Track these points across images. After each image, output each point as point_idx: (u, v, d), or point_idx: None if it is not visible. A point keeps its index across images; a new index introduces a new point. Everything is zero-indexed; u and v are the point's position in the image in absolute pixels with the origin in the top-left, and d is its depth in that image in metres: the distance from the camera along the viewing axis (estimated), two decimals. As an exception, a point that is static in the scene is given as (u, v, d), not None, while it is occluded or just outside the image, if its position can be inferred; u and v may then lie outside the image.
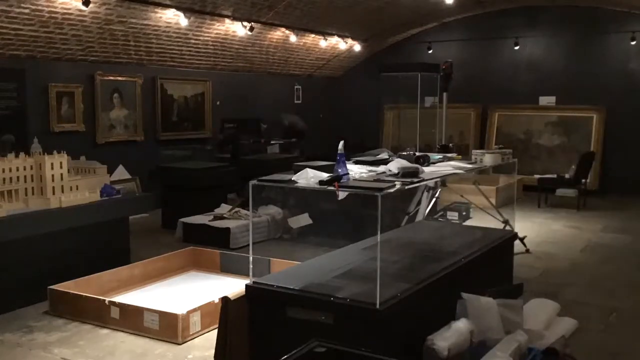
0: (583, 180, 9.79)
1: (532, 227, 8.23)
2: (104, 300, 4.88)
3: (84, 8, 7.34)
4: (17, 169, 5.32)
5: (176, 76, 10.05)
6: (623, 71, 11.13)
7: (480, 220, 7.33)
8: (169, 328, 4.52)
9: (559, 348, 4.01)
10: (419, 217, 6.91)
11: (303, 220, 7.37)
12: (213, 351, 3.82)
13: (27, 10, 7.10)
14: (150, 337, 4.56)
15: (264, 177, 3.98)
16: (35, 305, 5.20)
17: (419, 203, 7.11)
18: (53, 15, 7.39)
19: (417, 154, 5.01)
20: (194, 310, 4.64)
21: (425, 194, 7.13)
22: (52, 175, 5.50)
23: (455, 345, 3.74)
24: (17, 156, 5.44)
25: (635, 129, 10.75)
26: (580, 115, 11.36)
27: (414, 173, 4.11)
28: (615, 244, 7.59)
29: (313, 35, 11.33)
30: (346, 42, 12.12)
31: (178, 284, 5.83)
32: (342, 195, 3.90)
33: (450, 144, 7.94)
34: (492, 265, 4.95)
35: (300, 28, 10.76)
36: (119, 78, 9.11)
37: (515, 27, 11.90)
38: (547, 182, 10.13)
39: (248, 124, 11.10)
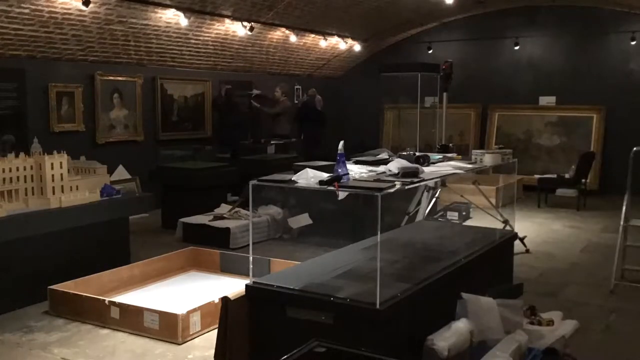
0: (583, 180, 9.79)
1: (532, 227, 8.23)
2: (104, 300, 4.88)
3: (84, 8, 7.34)
4: (17, 169, 5.32)
5: (176, 76, 10.05)
6: (623, 71, 11.13)
7: (480, 220, 7.33)
8: (169, 328, 4.52)
9: (558, 348, 4.01)
10: (419, 217, 6.91)
11: (303, 220, 7.37)
12: (213, 351, 3.82)
13: (27, 10, 7.10)
14: (150, 337, 4.56)
15: (264, 177, 3.98)
16: (35, 305, 5.20)
17: (419, 203, 7.11)
18: (53, 15, 7.39)
19: (417, 154, 5.01)
20: (194, 310, 4.64)
21: (425, 194, 7.13)
22: (52, 175, 5.50)
23: (455, 345, 3.74)
24: (17, 156, 5.43)
25: (635, 129, 10.75)
26: (580, 115, 11.36)
27: (414, 173, 4.12)
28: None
29: (313, 35, 11.33)
30: (346, 42, 12.12)
31: (178, 284, 5.83)
32: (342, 195, 3.90)
33: (450, 144, 7.92)
34: (492, 265, 4.96)
35: (300, 28, 10.76)
36: (119, 78, 9.11)
37: (515, 27, 11.90)
38: (547, 182, 10.13)
39: (242, 85, 11.26)
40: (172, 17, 8.60)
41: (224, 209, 7.93)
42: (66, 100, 8.42)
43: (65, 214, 5.56)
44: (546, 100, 11.73)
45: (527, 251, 7.02)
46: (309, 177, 3.80)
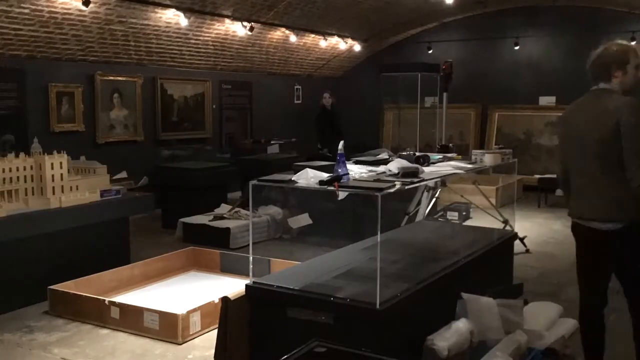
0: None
1: (532, 227, 8.23)
2: (104, 300, 4.88)
3: (84, 8, 7.34)
4: (17, 169, 5.33)
5: (176, 76, 10.05)
6: (623, 71, 11.12)
7: (480, 220, 7.33)
8: (169, 328, 4.52)
9: (558, 348, 4.01)
10: (419, 217, 6.91)
11: (303, 220, 7.37)
12: (213, 351, 3.82)
13: (27, 10, 7.10)
14: (150, 337, 4.56)
15: (264, 177, 3.98)
16: (35, 305, 5.21)
17: (419, 203, 7.11)
18: (53, 15, 7.39)
19: (417, 154, 5.01)
20: (194, 310, 4.64)
21: (425, 194, 7.13)
22: (52, 175, 5.50)
23: (455, 345, 3.74)
24: (17, 156, 5.44)
25: (635, 129, 10.73)
26: (580, 115, 11.33)
27: (414, 173, 4.11)
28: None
29: (313, 35, 11.33)
30: (346, 42, 12.12)
31: (178, 284, 5.83)
32: (342, 195, 3.90)
33: (450, 144, 7.93)
34: (492, 265, 4.95)
35: (300, 28, 10.76)
36: (119, 78, 9.11)
37: (515, 27, 11.90)
38: (547, 182, 10.13)
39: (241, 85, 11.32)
40: (172, 17, 8.60)
41: (224, 209, 7.93)
42: (66, 100, 8.42)
43: (65, 214, 5.56)
44: (546, 100, 11.73)
45: (527, 251, 7.02)
46: (309, 177, 3.80)
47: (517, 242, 6.02)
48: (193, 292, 5.57)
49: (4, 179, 5.23)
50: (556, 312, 4.77)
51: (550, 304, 4.89)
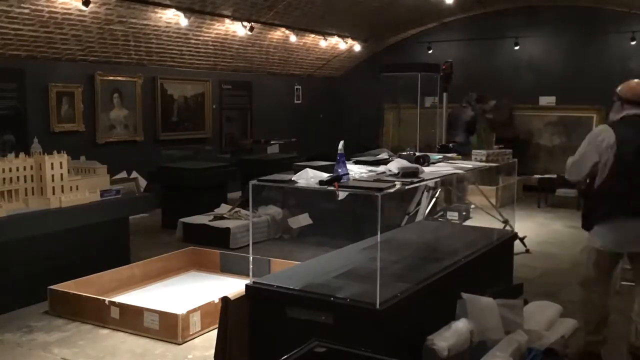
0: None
1: (532, 227, 8.23)
2: (104, 300, 4.88)
3: (84, 8, 7.34)
4: (17, 169, 5.32)
5: (176, 76, 10.05)
6: (623, 71, 11.11)
7: (480, 220, 7.33)
8: (169, 328, 4.52)
9: (558, 348, 4.01)
10: (419, 217, 6.91)
11: (303, 220, 7.40)
12: (213, 351, 3.82)
13: (27, 10, 7.10)
14: (150, 337, 4.56)
15: (264, 177, 3.98)
16: (35, 305, 5.20)
17: (419, 203, 7.11)
18: (53, 15, 7.39)
19: (417, 154, 5.01)
20: (194, 310, 4.64)
21: (425, 194, 7.13)
22: (52, 175, 5.50)
23: (455, 346, 3.74)
24: (17, 156, 5.44)
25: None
26: (580, 115, 11.35)
27: (414, 173, 4.11)
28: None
29: (313, 35, 11.34)
30: (346, 42, 12.12)
31: (178, 284, 5.83)
32: (342, 195, 3.90)
33: (450, 144, 7.92)
34: (492, 265, 4.95)
35: (300, 28, 10.76)
36: (119, 78, 9.11)
37: (515, 27, 11.89)
38: (547, 182, 10.13)
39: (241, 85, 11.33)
40: (172, 17, 8.60)
41: (224, 209, 7.93)
42: (66, 100, 8.42)
43: (65, 214, 5.56)
44: (546, 100, 11.72)
45: (527, 251, 7.02)
46: (309, 177, 3.80)
47: (517, 242, 6.02)
48: (193, 292, 5.57)
49: (4, 179, 5.23)
50: (556, 312, 4.77)
51: (550, 304, 4.89)
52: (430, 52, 12.44)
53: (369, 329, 3.37)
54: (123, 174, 8.38)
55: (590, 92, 11.16)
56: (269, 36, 10.60)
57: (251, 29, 9.69)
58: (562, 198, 10.11)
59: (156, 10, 8.33)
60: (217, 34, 9.65)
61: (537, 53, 11.92)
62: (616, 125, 4.10)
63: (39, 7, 7.16)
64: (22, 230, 5.22)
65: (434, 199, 7.23)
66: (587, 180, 4.28)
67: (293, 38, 10.85)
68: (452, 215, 8.29)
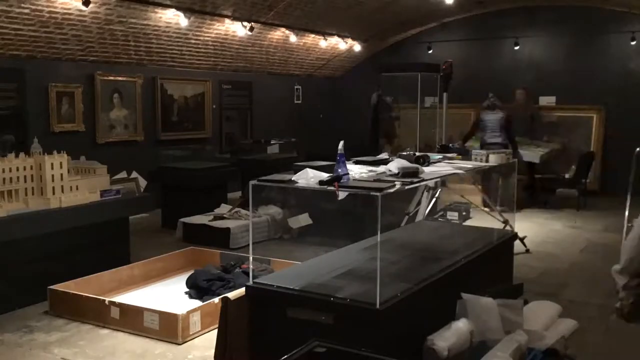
0: (583, 180, 9.79)
1: (532, 227, 8.23)
2: (104, 300, 4.88)
3: (84, 8, 7.34)
4: (17, 169, 5.32)
5: (176, 76, 10.05)
6: (623, 71, 11.13)
7: (480, 220, 7.33)
8: (169, 328, 4.52)
9: (559, 348, 4.01)
10: (419, 217, 6.91)
11: (303, 220, 7.40)
12: (213, 351, 3.82)
13: (27, 10, 7.10)
14: (150, 337, 4.56)
15: (263, 177, 3.98)
16: (35, 305, 5.20)
17: (419, 203, 7.11)
18: (53, 15, 7.39)
19: (417, 154, 5.01)
20: (194, 310, 4.65)
21: (425, 194, 7.13)
22: (52, 175, 5.50)
23: (455, 345, 3.74)
24: (17, 156, 5.43)
25: (635, 129, 10.74)
26: (580, 115, 11.35)
27: (414, 173, 4.11)
28: (615, 244, 7.58)
29: (313, 35, 11.34)
30: (346, 42, 12.12)
31: (178, 284, 5.83)
32: (342, 195, 3.90)
33: (450, 144, 7.93)
34: (492, 265, 4.96)
35: (300, 28, 10.76)
36: (119, 78, 9.11)
37: (515, 27, 11.89)
38: (547, 182, 10.12)
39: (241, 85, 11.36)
40: (172, 17, 8.60)
41: (224, 209, 7.93)
42: (66, 100, 8.42)
43: (65, 214, 5.56)
44: (546, 100, 11.72)
45: (527, 251, 7.02)
46: (309, 177, 3.80)
47: (517, 242, 6.02)
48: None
49: (4, 179, 5.23)
50: (556, 312, 4.78)
51: (550, 303, 4.89)
52: (430, 52, 12.44)
53: (369, 329, 3.38)
54: (123, 174, 8.36)
55: (590, 92, 11.18)
56: (269, 36, 10.60)
57: (251, 29, 9.69)
58: (562, 198, 10.11)
59: (156, 10, 8.33)
60: (217, 34, 9.65)
61: (537, 53, 11.92)
62: None
63: (39, 7, 7.16)
64: (22, 230, 5.22)
65: (434, 199, 7.22)
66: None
67: (293, 38, 10.85)
68: (452, 215, 8.29)
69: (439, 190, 7.30)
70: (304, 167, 4.08)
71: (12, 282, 5.18)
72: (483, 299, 4.11)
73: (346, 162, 3.93)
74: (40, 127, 7.93)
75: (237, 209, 7.86)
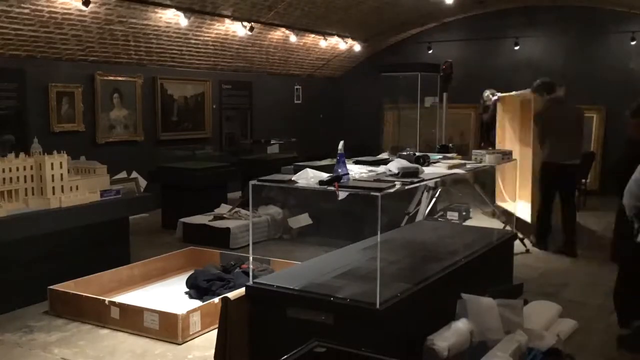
0: (583, 180, 9.78)
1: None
2: (104, 300, 4.88)
3: (84, 8, 7.34)
4: (17, 169, 5.32)
5: (176, 76, 10.05)
6: (623, 71, 11.12)
7: (480, 220, 7.33)
8: (169, 328, 4.52)
9: (560, 348, 4.01)
10: (419, 217, 6.91)
11: (303, 220, 7.40)
12: (213, 351, 3.82)
13: (27, 10, 7.10)
14: (150, 337, 4.56)
15: (263, 177, 3.98)
16: (35, 305, 5.20)
17: (419, 203, 7.11)
18: (53, 15, 7.39)
19: (417, 154, 5.01)
20: (194, 310, 4.65)
21: (425, 194, 7.13)
22: (52, 175, 5.50)
23: (455, 345, 3.74)
24: (17, 156, 5.43)
25: (635, 129, 10.75)
26: (580, 115, 11.33)
27: (414, 173, 4.11)
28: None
29: (313, 35, 11.34)
30: (346, 42, 12.12)
31: (178, 284, 5.82)
32: (342, 195, 3.90)
33: (450, 144, 7.92)
34: (492, 265, 4.96)
35: (300, 28, 10.77)
36: (119, 78, 9.12)
37: (515, 27, 11.89)
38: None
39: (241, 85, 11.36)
40: (172, 17, 8.60)
41: (224, 209, 7.93)
42: (66, 100, 8.42)
43: (65, 214, 5.56)
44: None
45: (527, 251, 7.02)
46: (309, 177, 3.80)
47: (517, 242, 6.03)
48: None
49: (4, 179, 5.23)
50: (556, 312, 4.78)
51: (550, 303, 4.89)
52: (430, 52, 12.44)
53: (369, 329, 3.38)
54: (123, 174, 8.37)
55: (590, 92, 11.16)
56: (269, 36, 10.60)
57: (251, 29, 9.69)
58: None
59: (156, 10, 8.33)
60: (217, 34, 9.65)
61: (537, 53, 11.92)
62: None
63: (39, 7, 7.17)
64: (22, 230, 5.22)
65: (434, 199, 7.23)
66: None
67: (293, 38, 10.85)
68: (452, 215, 8.29)
69: (439, 190, 7.30)
70: (304, 167, 4.08)
71: (12, 282, 5.17)
72: (483, 299, 4.11)
73: (346, 162, 3.93)
74: (40, 127, 7.93)
75: (237, 209, 7.86)
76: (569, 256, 6.80)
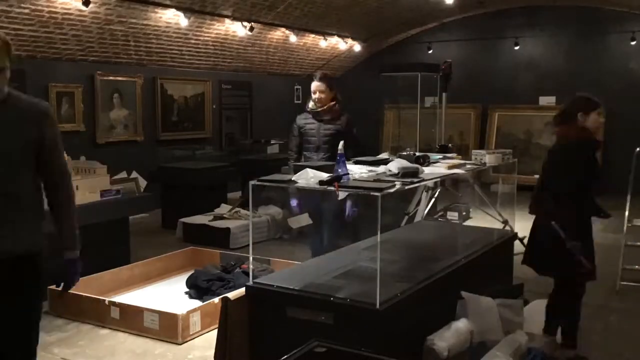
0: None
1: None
2: (104, 300, 4.88)
3: (84, 8, 7.34)
4: (17, 169, 5.31)
5: (176, 76, 10.05)
6: (623, 71, 11.13)
7: (480, 220, 7.32)
8: (169, 328, 4.52)
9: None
10: (419, 217, 6.90)
11: (303, 220, 7.37)
12: (213, 351, 3.82)
13: (27, 10, 7.10)
14: (150, 337, 4.56)
15: (263, 177, 3.98)
16: (35, 305, 5.19)
17: (418, 203, 7.11)
18: (53, 15, 7.39)
19: (417, 154, 5.01)
20: (194, 310, 4.65)
21: (425, 194, 7.13)
22: (52, 175, 5.48)
23: (455, 346, 3.74)
24: (17, 156, 5.42)
25: (635, 128, 10.75)
26: (580, 115, 11.34)
27: (414, 173, 4.11)
28: (615, 244, 7.58)
29: (313, 35, 11.34)
30: (346, 42, 12.12)
31: (178, 284, 5.83)
32: (342, 195, 3.90)
33: (450, 144, 7.91)
34: (492, 265, 4.95)
35: (300, 28, 10.76)
36: (119, 78, 9.11)
37: (515, 27, 11.90)
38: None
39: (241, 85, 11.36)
40: (172, 17, 8.60)
41: (224, 209, 7.93)
42: (66, 100, 8.42)
43: (65, 214, 5.54)
44: (546, 100, 11.72)
45: (527, 251, 7.00)
46: (309, 177, 3.80)
47: (517, 242, 6.02)
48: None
49: (4, 179, 5.22)
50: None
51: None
52: (430, 52, 12.44)
53: (369, 329, 3.37)
54: (123, 174, 8.36)
55: (590, 92, 11.11)
56: (269, 36, 10.60)
57: (251, 29, 9.69)
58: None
59: (156, 10, 8.33)
60: (217, 34, 9.65)
61: (537, 53, 11.92)
62: None
63: (39, 7, 7.16)
64: (22, 230, 5.20)
65: (433, 199, 7.22)
66: None
67: (293, 38, 10.85)
68: (452, 215, 8.29)
69: (439, 190, 7.30)
70: (303, 167, 4.08)
71: (12, 282, 5.17)
72: (483, 299, 4.11)
73: (346, 162, 3.93)
74: (40, 127, 7.92)
75: (237, 209, 7.86)
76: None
